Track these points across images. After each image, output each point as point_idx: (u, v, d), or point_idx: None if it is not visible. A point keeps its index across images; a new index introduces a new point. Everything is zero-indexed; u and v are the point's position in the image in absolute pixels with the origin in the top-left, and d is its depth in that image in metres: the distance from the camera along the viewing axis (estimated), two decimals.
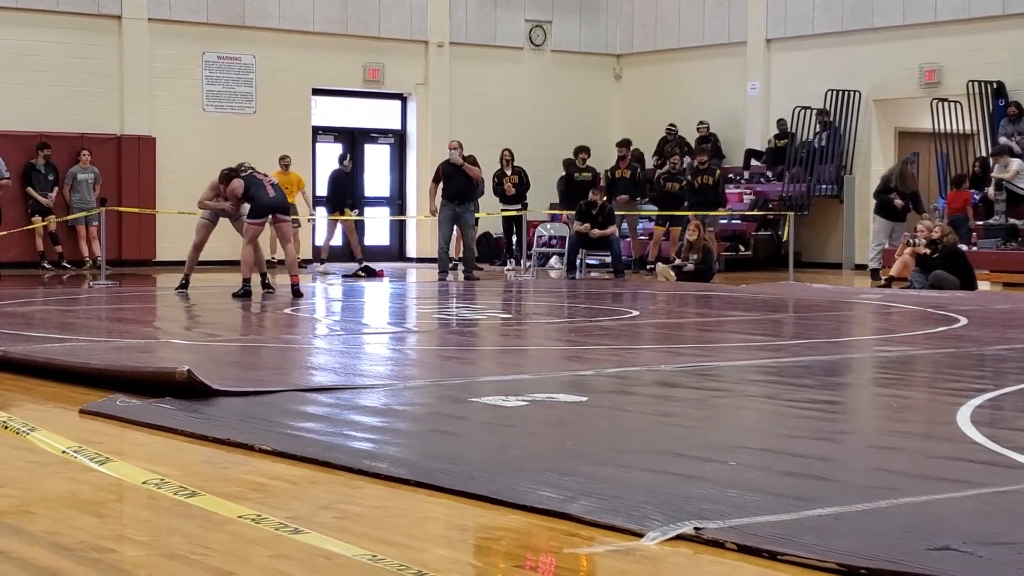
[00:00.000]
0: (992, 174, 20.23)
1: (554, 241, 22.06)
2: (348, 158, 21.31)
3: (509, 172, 22.07)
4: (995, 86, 21.13)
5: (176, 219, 19.91)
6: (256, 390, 6.96)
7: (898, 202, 19.42)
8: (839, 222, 23.10)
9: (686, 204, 20.89)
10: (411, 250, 24.77)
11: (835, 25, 23.05)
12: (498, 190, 22.03)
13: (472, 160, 19.27)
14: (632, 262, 21.38)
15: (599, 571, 3.80)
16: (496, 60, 25.10)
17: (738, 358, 9.07)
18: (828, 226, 23.25)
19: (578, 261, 19.86)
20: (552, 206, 23.17)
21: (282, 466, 5.17)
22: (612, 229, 19.66)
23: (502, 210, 22.02)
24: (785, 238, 21.73)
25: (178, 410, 6.32)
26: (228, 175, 14.90)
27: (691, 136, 24.29)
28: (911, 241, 17.51)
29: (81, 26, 21.43)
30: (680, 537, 3.95)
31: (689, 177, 21.25)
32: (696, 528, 4.00)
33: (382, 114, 24.85)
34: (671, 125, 24.53)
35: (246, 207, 14.83)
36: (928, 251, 16.97)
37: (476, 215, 19.86)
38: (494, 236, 23.86)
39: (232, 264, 17.77)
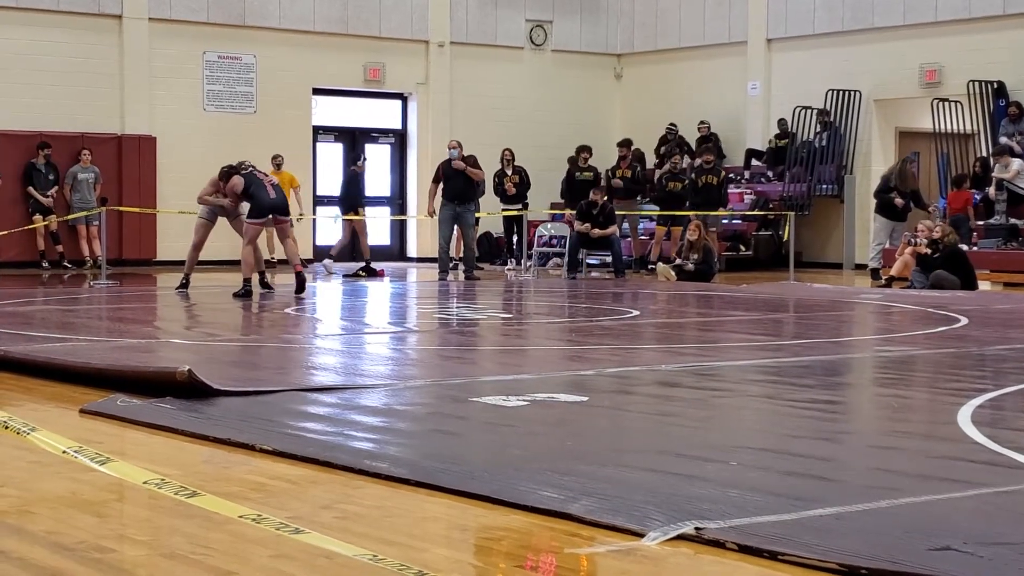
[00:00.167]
0: (993, 174, 20.23)
1: (555, 241, 22.04)
2: (364, 159, 20.98)
3: (510, 172, 22.04)
4: (995, 86, 21.13)
5: (177, 219, 19.91)
6: (257, 390, 6.96)
7: (898, 201, 19.41)
8: (840, 222, 23.09)
9: (688, 204, 20.88)
10: (411, 250, 24.77)
11: (835, 25, 23.04)
12: (499, 190, 22.00)
13: (473, 161, 19.23)
14: (633, 262, 21.37)
15: (600, 571, 3.79)
16: (497, 60, 25.10)
17: (739, 358, 9.07)
18: (829, 226, 23.24)
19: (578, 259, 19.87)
20: (554, 205, 23.17)
21: (283, 466, 5.16)
22: (613, 229, 19.65)
23: (503, 210, 22.00)
24: (786, 238, 21.73)
25: (179, 410, 6.32)
26: (228, 172, 14.91)
27: (691, 136, 24.28)
28: (912, 241, 17.49)
29: (82, 26, 21.42)
30: (681, 537, 3.95)
31: (692, 176, 21.24)
32: (697, 528, 4.00)
33: (382, 114, 24.84)
34: (671, 125, 24.53)
35: (245, 206, 14.84)
36: (929, 251, 16.95)
37: (476, 215, 19.84)
38: (495, 236, 23.85)
39: (232, 264, 17.78)
